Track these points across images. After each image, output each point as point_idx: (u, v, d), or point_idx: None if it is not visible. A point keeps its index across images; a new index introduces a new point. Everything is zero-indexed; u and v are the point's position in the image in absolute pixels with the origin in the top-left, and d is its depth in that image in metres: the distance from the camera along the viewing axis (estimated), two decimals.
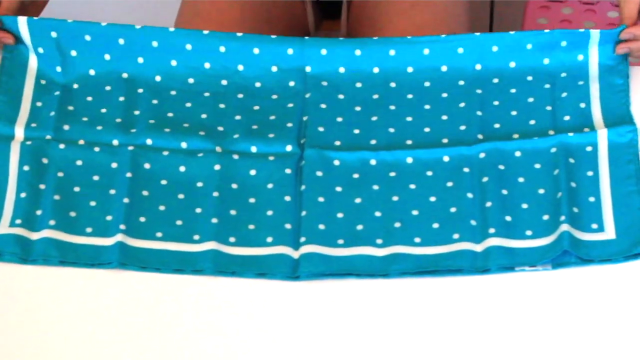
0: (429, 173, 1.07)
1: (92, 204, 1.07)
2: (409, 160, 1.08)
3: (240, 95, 1.15)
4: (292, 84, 1.15)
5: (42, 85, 1.15)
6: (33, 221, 1.05)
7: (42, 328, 0.98)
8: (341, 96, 1.14)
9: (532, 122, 1.10)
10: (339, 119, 1.12)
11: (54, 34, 1.15)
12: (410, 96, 1.13)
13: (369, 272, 1.00)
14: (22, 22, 1.14)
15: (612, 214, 1.02)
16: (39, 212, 1.06)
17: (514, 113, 1.10)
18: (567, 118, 1.09)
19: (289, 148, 1.09)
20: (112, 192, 1.07)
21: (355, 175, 1.07)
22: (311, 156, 1.08)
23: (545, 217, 1.02)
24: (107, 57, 1.16)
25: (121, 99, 1.15)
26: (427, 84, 1.13)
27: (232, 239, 1.04)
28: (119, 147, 1.10)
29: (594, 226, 1.02)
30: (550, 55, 1.12)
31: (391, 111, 1.12)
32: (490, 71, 1.13)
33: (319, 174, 1.07)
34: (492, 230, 1.01)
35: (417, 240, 1.02)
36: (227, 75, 1.15)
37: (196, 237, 1.04)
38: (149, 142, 1.11)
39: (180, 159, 1.09)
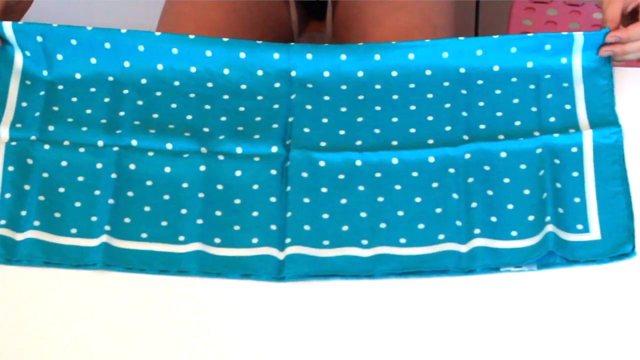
0: (415, 174, 1.07)
1: (77, 204, 1.07)
2: (395, 161, 1.08)
3: (226, 97, 1.14)
4: (277, 85, 1.15)
5: (27, 86, 1.15)
6: (17, 222, 1.05)
7: (26, 329, 0.98)
8: (326, 97, 1.14)
9: (518, 123, 1.10)
10: (325, 120, 1.12)
11: (39, 39, 1.14)
12: (395, 97, 1.13)
13: (354, 272, 1.00)
14: (7, 26, 1.13)
15: (597, 214, 1.02)
16: (23, 213, 1.06)
17: (499, 114, 1.11)
18: (552, 119, 1.10)
19: (274, 149, 1.09)
20: (97, 192, 1.07)
21: (341, 176, 1.07)
22: (297, 157, 1.08)
23: (531, 218, 1.02)
24: (93, 60, 1.16)
25: (106, 100, 1.14)
26: (412, 85, 1.13)
27: (217, 240, 1.03)
28: (104, 147, 1.10)
29: (579, 227, 1.02)
30: (534, 58, 1.13)
31: (377, 112, 1.12)
32: (475, 73, 1.13)
33: (305, 175, 1.07)
34: (477, 231, 1.01)
35: (402, 240, 1.02)
36: (212, 78, 1.15)
37: (181, 238, 1.04)
38: (134, 142, 1.10)
39: (166, 159, 1.09)
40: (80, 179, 1.08)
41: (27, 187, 1.07)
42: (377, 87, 1.14)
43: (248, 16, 1.33)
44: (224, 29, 1.29)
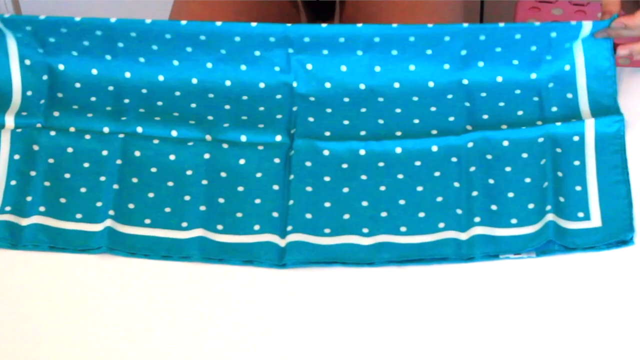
0: (417, 163, 1.08)
1: (82, 190, 1.08)
2: (398, 150, 1.08)
3: (228, 83, 1.15)
4: (277, 69, 1.15)
5: (28, 67, 1.16)
6: (23, 207, 1.06)
7: (31, 313, 0.99)
8: (328, 85, 1.14)
9: (520, 112, 1.11)
10: (328, 110, 1.13)
11: (28, 28, 1.14)
12: (397, 85, 1.14)
13: (355, 260, 1.01)
14: None
15: (599, 202, 1.03)
16: (29, 199, 1.07)
17: (501, 104, 1.11)
18: (554, 109, 1.10)
19: (278, 138, 1.10)
20: (102, 179, 1.08)
21: (344, 165, 1.08)
22: (301, 146, 1.09)
23: (531, 206, 1.03)
24: (86, 43, 1.16)
25: (110, 88, 1.15)
26: (412, 67, 1.14)
27: (219, 227, 1.04)
28: (110, 134, 1.11)
29: (580, 215, 1.02)
30: (538, 43, 1.12)
31: (380, 103, 1.13)
32: (476, 56, 1.13)
33: (308, 164, 1.08)
34: (477, 219, 1.02)
35: (403, 229, 1.03)
36: (212, 59, 1.15)
37: (184, 224, 1.05)
38: (139, 130, 1.11)
39: (170, 147, 1.10)
40: (86, 165, 1.09)
41: (32, 173, 1.08)
42: (377, 69, 1.14)
43: (257, 17, 1.33)
44: None
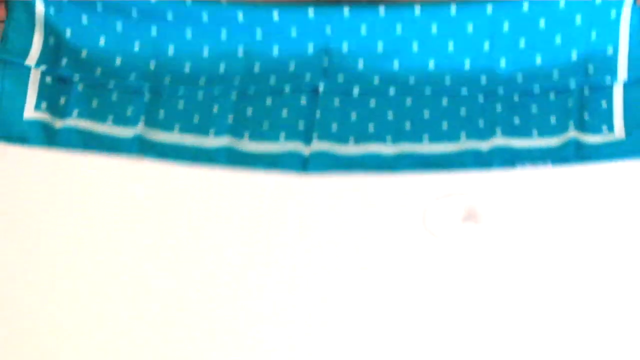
0: (447, 80, 1.09)
1: (115, 95, 1.10)
2: (431, 65, 1.10)
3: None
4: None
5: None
6: (57, 109, 1.09)
7: (63, 209, 1.02)
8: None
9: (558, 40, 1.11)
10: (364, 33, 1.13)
11: None
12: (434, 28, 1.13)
13: (377, 168, 1.03)
14: None
15: (623, 116, 1.05)
16: (63, 101, 1.10)
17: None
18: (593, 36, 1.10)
19: (310, 49, 1.12)
20: (134, 80, 1.10)
21: (376, 81, 1.10)
22: (334, 60, 1.11)
23: (553, 120, 1.05)
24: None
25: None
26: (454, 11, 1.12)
27: (246, 135, 1.07)
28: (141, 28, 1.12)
29: (604, 127, 1.04)
30: (582, 12, 1.10)
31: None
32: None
33: (340, 77, 1.10)
34: (498, 131, 1.05)
35: (426, 138, 1.05)
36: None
37: (212, 131, 1.07)
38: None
39: (204, 42, 1.11)
40: (118, 61, 1.11)
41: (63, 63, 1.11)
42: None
43: None
44: None
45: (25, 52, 1.10)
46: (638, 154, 1.02)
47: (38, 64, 1.09)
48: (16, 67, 1.09)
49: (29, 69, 1.09)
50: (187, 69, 1.11)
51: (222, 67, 1.10)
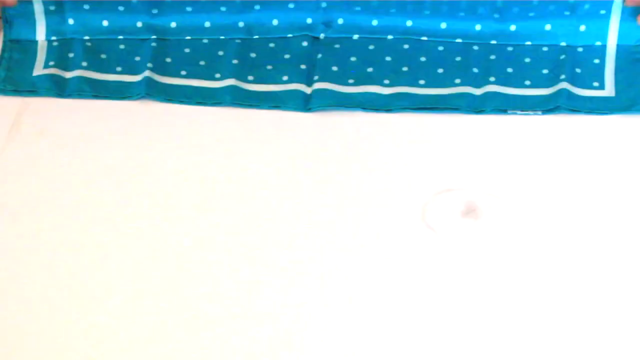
0: (443, 25, 1.14)
1: (122, 46, 1.16)
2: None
3: None
4: None
5: None
6: (66, 62, 1.14)
7: (77, 153, 1.06)
8: None
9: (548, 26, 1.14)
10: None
11: None
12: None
13: (375, 106, 1.09)
14: None
15: (614, 75, 1.09)
16: (71, 55, 1.15)
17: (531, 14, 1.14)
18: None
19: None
20: (140, 33, 1.16)
21: (374, 22, 1.15)
22: (334, 8, 1.15)
23: (545, 71, 1.10)
24: None
25: None
26: None
27: (250, 77, 1.12)
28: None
29: (595, 84, 1.09)
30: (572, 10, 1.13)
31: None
32: None
33: (340, 20, 1.15)
34: (492, 79, 1.10)
35: (422, 82, 1.11)
36: None
37: (217, 75, 1.13)
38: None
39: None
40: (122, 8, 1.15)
41: (71, 22, 1.15)
42: None
43: None
44: None
45: (32, 31, 1.16)
46: (627, 111, 1.06)
47: (47, 37, 1.16)
48: (24, 42, 1.16)
49: (37, 41, 1.16)
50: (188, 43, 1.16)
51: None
